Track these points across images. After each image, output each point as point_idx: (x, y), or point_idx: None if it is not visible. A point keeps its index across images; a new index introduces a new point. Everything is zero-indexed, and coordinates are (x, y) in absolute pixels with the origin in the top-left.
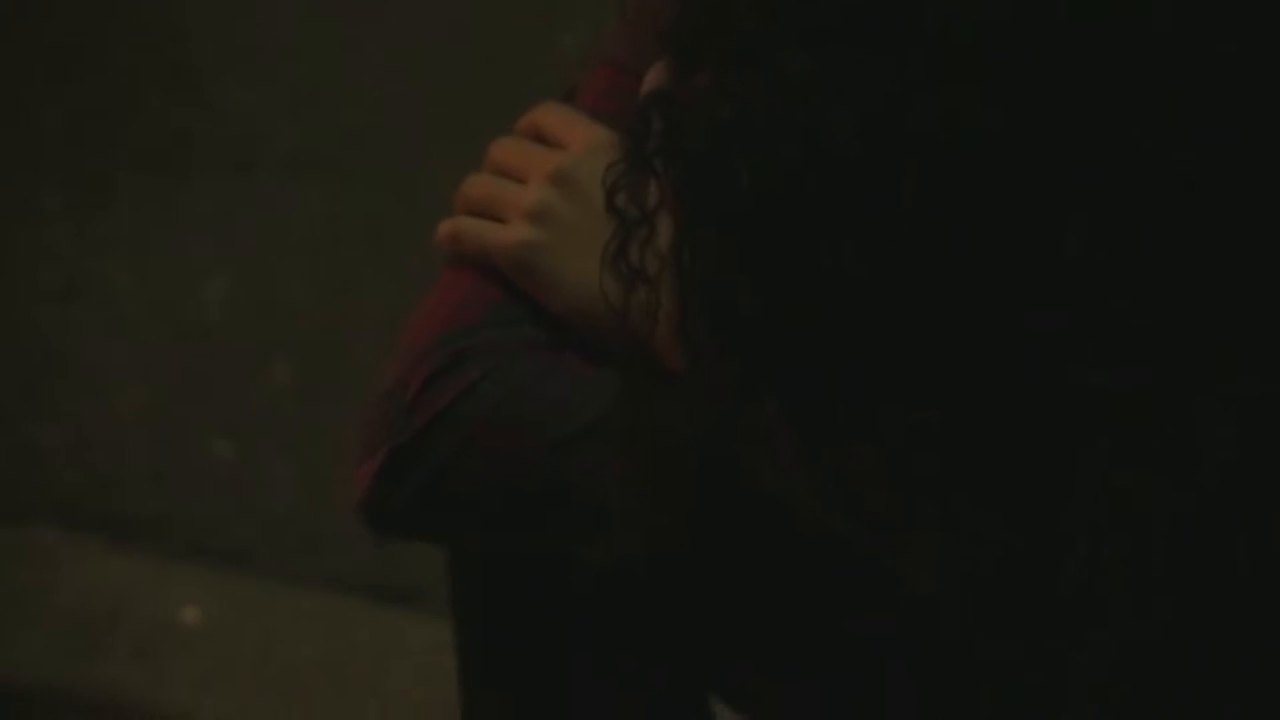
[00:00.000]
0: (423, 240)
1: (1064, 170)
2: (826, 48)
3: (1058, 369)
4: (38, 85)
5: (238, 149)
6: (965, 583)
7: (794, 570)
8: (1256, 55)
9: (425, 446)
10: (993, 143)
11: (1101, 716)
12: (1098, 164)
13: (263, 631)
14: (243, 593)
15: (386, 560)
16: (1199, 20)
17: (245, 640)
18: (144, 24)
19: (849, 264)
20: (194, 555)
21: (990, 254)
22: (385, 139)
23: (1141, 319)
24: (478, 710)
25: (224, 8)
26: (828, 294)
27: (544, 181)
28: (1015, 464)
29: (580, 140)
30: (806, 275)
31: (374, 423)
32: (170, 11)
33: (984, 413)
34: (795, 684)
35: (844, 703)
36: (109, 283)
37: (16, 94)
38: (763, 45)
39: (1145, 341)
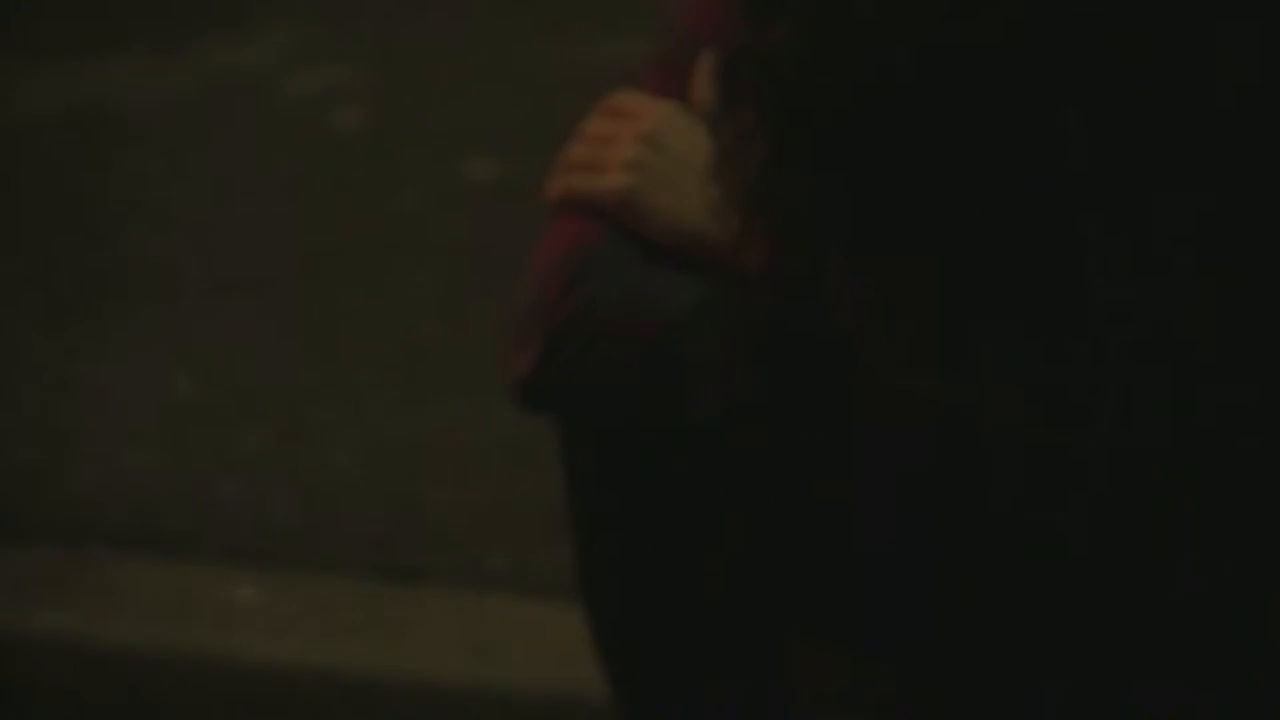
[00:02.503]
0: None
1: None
2: None
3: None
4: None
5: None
6: (1002, 399)
7: (851, 421)
8: None
9: (570, 332)
10: (997, 60)
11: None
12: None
13: None
14: None
15: None
16: None
17: None
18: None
19: (904, 151)
20: None
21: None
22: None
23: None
24: (590, 564)
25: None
26: (886, 174)
27: (634, 141)
28: (1039, 284)
29: (655, 111)
30: (873, 161)
31: (523, 324)
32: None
33: (1018, 238)
34: (864, 534)
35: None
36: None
37: None
38: None
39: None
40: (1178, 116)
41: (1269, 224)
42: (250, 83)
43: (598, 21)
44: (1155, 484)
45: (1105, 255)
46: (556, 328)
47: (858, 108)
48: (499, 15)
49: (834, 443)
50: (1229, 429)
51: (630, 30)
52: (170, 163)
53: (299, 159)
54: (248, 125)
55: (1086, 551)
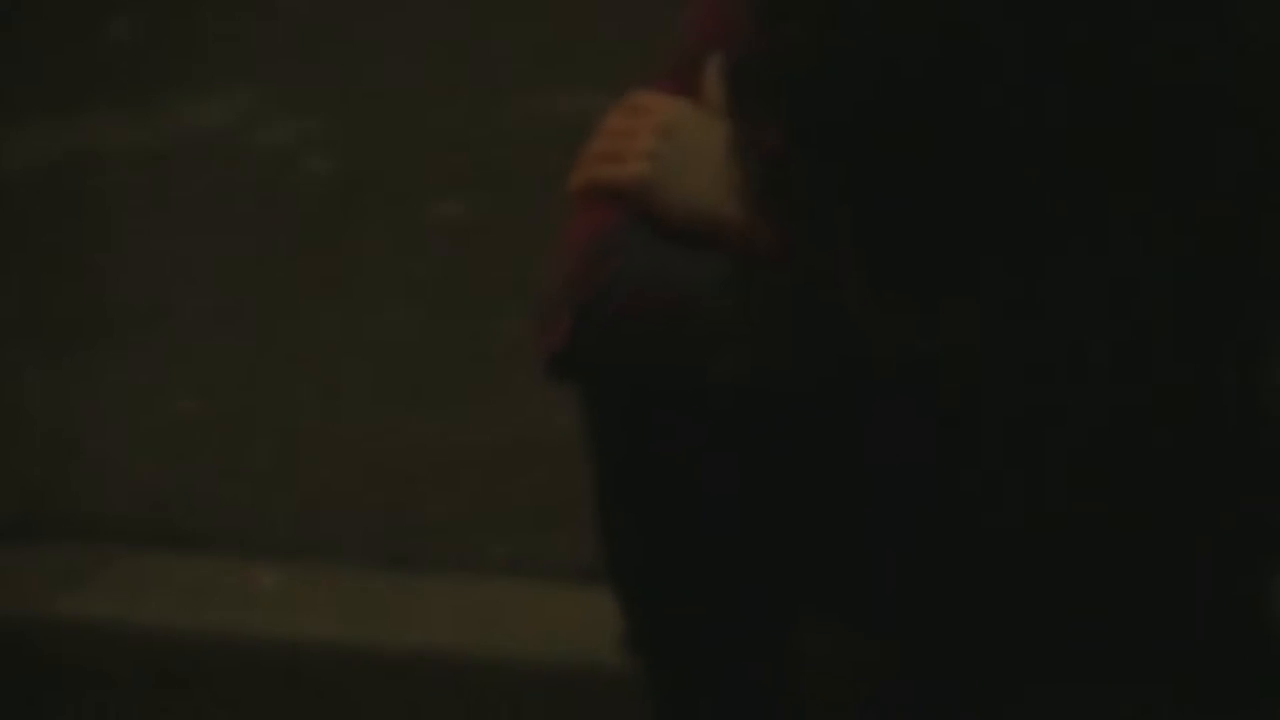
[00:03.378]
0: None
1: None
2: None
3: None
4: None
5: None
6: (993, 363)
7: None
8: None
9: (599, 304)
10: (989, 52)
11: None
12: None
13: None
14: None
15: None
16: None
17: None
18: None
19: (906, 138)
20: None
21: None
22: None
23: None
24: (612, 523)
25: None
26: (889, 161)
27: (652, 133)
28: (1027, 257)
29: (670, 107)
30: (877, 150)
31: (553, 300)
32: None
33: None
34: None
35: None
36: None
37: None
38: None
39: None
40: (1145, 121)
41: (1218, 213)
42: (219, 135)
43: (556, 74)
44: (1133, 443)
45: (1083, 232)
46: (586, 302)
47: (863, 101)
48: (458, 68)
49: (842, 407)
50: (1181, 393)
51: (587, 84)
52: (150, 209)
53: (272, 202)
54: (220, 173)
55: (1066, 509)
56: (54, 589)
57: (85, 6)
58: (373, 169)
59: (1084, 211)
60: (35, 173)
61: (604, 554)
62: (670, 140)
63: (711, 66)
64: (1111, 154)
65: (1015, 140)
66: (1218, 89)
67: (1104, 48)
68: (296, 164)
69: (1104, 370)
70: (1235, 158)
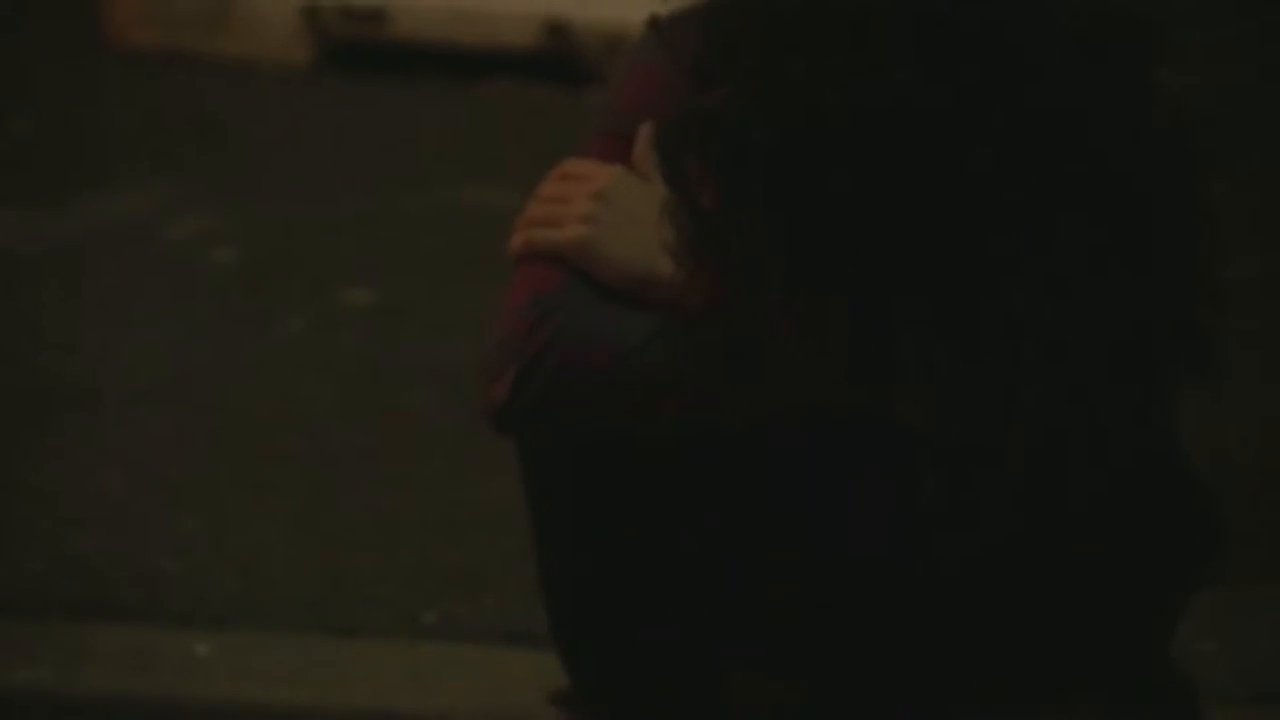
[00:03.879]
0: None
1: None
2: (812, 57)
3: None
4: None
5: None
6: (927, 404)
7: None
8: None
9: (538, 364)
10: (911, 105)
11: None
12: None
13: None
14: None
15: None
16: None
17: None
18: None
19: (836, 187)
20: None
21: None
22: None
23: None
24: (549, 574)
25: None
26: (821, 209)
27: (587, 198)
28: (957, 300)
29: (603, 174)
30: (809, 199)
31: (496, 358)
32: None
33: (936, 267)
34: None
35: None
36: None
37: None
38: (769, 61)
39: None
40: (1063, 163)
41: (1142, 246)
42: (130, 229)
43: (455, 169)
44: (1067, 474)
45: (1016, 274)
46: (527, 360)
47: (792, 154)
48: (361, 162)
49: (778, 451)
50: (1117, 423)
51: (481, 178)
52: (68, 298)
53: (185, 291)
54: (133, 264)
55: (1005, 541)
56: None
57: None
58: (282, 258)
59: (1013, 253)
60: None
61: (544, 596)
62: (605, 204)
63: (642, 134)
64: (1031, 197)
65: (938, 186)
66: (1118, 139)
67: (1006, 95)
68: (209, 255)
69: (1036, 411)
70: (1138, 203)
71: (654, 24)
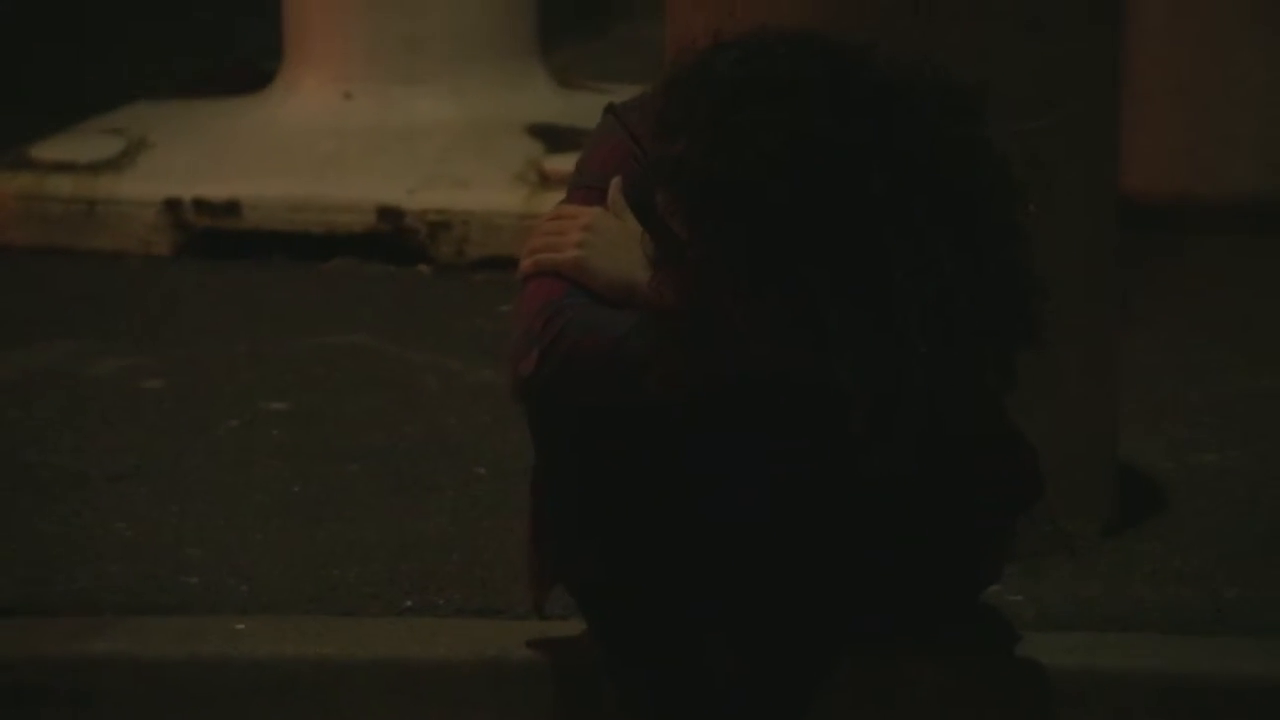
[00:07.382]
0: None
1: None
2: (753, 111)
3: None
4: None
5: None
6: (851, 368)
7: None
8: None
9: (554, 347)
10: (829, 144)
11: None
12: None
13: None
14: None
15: None
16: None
17: None
18: None
19: (776, 201)
20: None
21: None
22: None
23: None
24: (558, 490)
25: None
26: (767, 220)
27: (579, 230)
28: (872, 288)
29: (587, 212)
30: (757, 212)
31: (521, 345)
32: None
33: (853, 274)
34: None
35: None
36: None
37: None
38: (719, 115)
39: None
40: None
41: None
42: (56, 374)
43: (318, 324)
44: (942, 408)
45: (906, 263)
46: (545, 345)
47: (743, 181)
48: (238, 320)
49: (730, 417)
50: (971, 374)
51: (341, 328)
52: (25, 419)
53: (128, 408)
54: (72, 394)
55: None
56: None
57: None
58: (205, 383)
59: (904, 248)
60: None
61: (550, 512)
62: (593, 233)
63: (614, 185)
64: (914, 208)
65: (850, 201)
66: (978, 166)
67: (895, 136)
68: (138, 385)
69: (926, 360)
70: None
71: (611, 109)
